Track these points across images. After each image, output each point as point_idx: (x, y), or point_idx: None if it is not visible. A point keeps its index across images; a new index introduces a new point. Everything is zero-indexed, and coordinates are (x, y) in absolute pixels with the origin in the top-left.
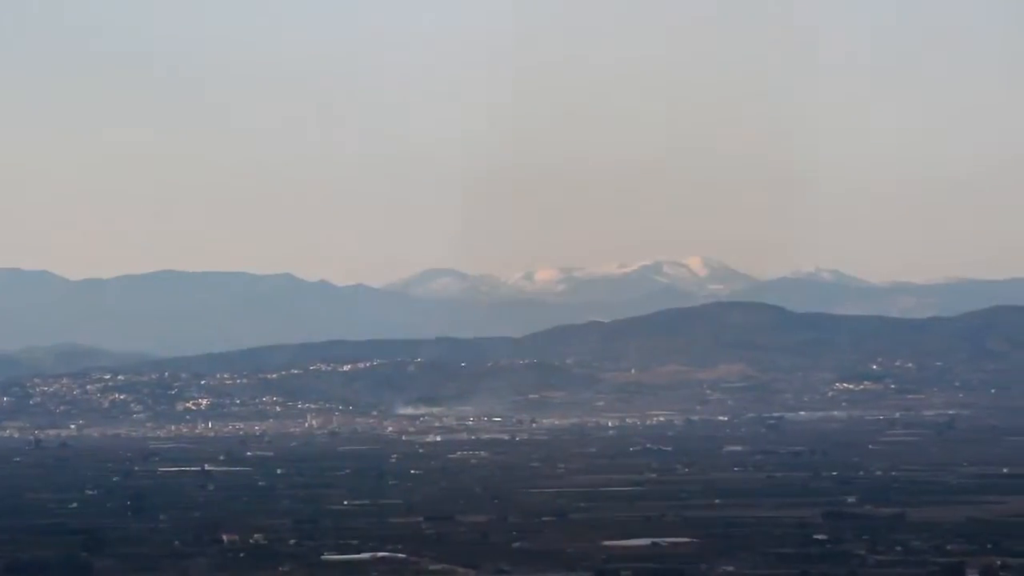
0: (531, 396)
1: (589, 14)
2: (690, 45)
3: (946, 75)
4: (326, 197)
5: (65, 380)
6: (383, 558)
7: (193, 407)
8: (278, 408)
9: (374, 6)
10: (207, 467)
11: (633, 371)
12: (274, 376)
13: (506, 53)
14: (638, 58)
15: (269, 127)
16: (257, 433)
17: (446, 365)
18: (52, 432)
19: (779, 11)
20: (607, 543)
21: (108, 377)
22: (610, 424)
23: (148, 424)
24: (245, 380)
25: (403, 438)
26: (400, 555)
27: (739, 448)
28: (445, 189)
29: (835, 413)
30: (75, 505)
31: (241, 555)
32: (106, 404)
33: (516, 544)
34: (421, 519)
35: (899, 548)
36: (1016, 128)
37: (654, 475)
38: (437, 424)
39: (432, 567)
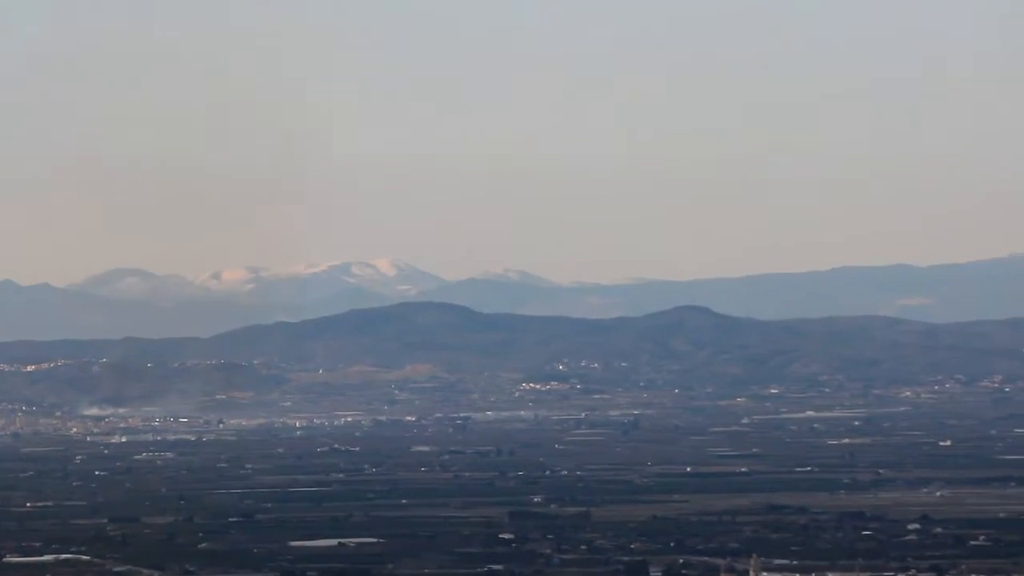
0: (218, 397)
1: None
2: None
3: (622, 83)
4: (8, 195)
5: None
6: (66, 560)
7: None
8: None
9: None
10: None
11: (321, 371)
12: None
13: (205, 54)
14: (329, 57)
15: None
16: None
17: (132, 365)
18: None
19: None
20: (294, 543)
21: None
22: (298, 425)
23: None
24: None
25: (88, 439)
26: (84, 557)
27: (426, 448)
28: (132, 188)
29: (521, 413)
30: None
31: None
32: None
33: (202, 545)
34: (106, 521)
35: (584, 547)
36: (698, 130)
37: (341, 475)
38: (123, 425)
39: (117, 569)
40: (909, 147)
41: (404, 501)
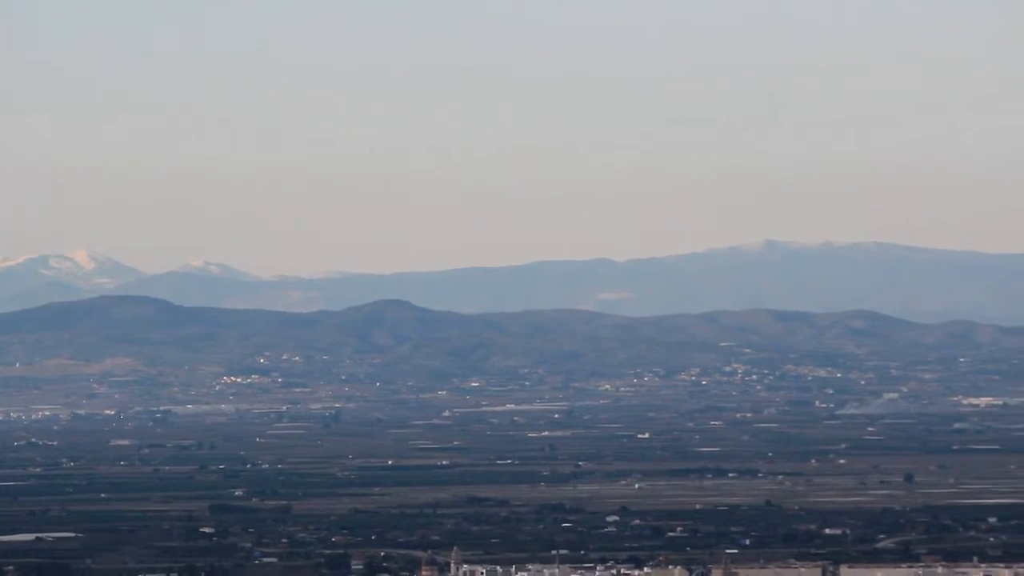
0: None
1: None
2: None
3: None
4: None
5: None
6: None
7: None
8: None
9: None
10: None
11: (18, 365)
12: None
13: None
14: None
15: None
16: None
17: None
18: None
19: None
20: None
21: None
22: None
23: None
24: None
25: None
26: None
27: (126, 442)
28: None
29: (223, 407)
30: None
31: None
32: None
33: None
34: None
35: (285, 540)
36: (390, 129)
37: (39, 470)
38: None
39: None
40: (601, 144)
41: (103, 495)
